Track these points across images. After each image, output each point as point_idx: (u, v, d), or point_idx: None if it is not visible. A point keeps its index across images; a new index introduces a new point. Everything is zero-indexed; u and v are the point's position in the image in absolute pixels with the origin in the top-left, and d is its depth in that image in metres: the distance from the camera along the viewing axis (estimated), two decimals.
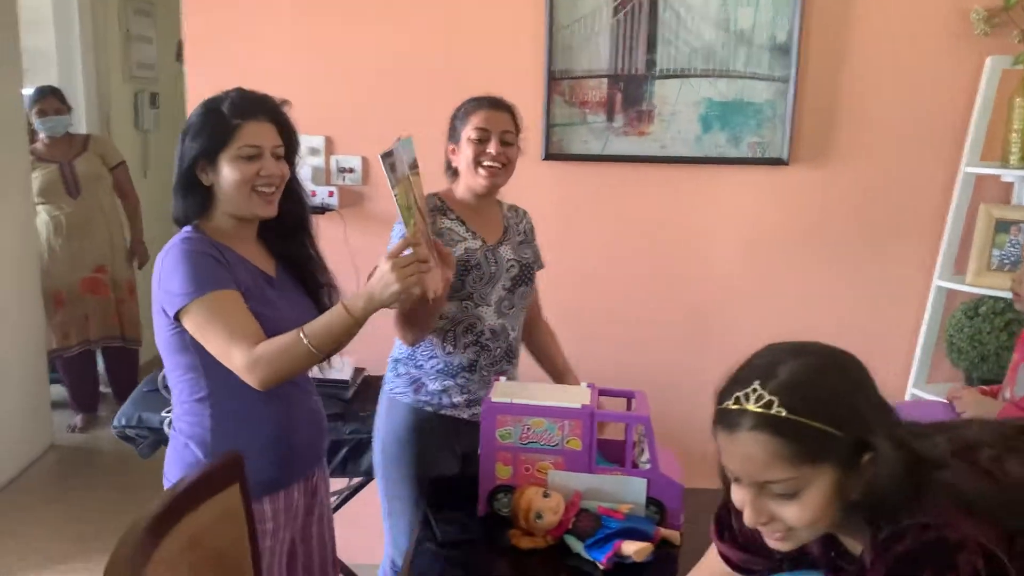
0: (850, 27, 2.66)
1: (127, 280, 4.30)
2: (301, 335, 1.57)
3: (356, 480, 2.60)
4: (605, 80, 2.70)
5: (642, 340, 2.89)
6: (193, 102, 2.80)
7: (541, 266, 2.23)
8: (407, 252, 1.59)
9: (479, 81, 2.70)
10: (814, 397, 1.02)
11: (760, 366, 1.07)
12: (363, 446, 2.44)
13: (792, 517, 1.03)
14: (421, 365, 2.08)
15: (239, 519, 1.54)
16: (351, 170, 2.79)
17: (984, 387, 1.96)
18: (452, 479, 2.05)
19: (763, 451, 1.01)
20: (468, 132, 2.02)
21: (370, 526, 2.39)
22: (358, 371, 2.64)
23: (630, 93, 2.70)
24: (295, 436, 1.76)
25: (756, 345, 3.12)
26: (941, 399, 2.63)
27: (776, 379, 1.04)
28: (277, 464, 1.73)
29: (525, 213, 2.23)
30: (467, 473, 2.02)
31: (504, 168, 2.03)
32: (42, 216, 4.11)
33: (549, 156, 2.74)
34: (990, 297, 2.61)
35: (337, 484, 2.57)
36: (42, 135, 4.10)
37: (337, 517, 2.10)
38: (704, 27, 2.64)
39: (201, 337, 1.59)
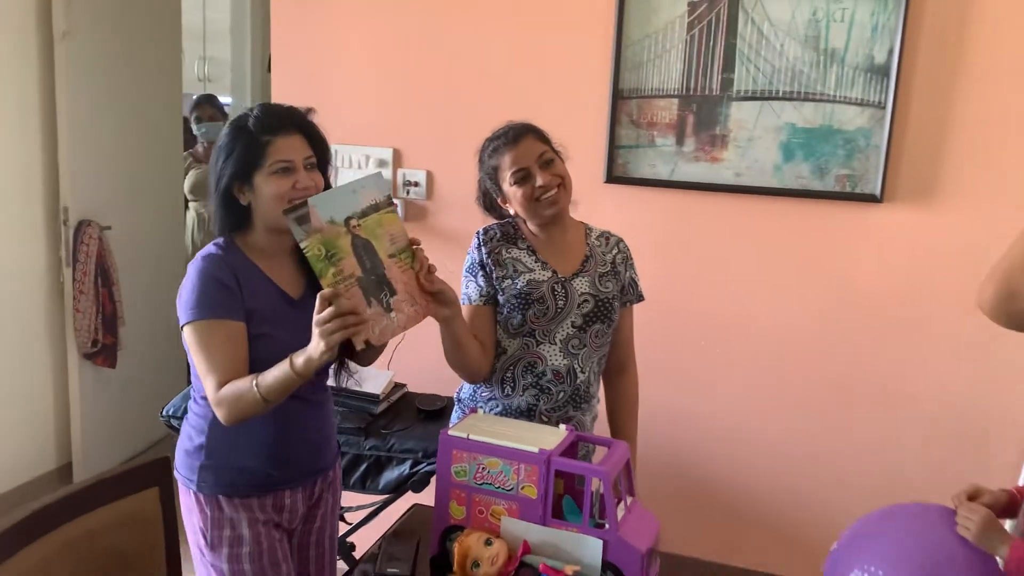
0: (963, 50, 2.28)
1: None
2: (254, 383, 1.58)
3: (381, 497, 2.56)
4: (676, 100, 2.49)
5: (695, 386, 2.65)
6: None
7: (637, 299, 2.05)
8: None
9: (542, 97, 2.62)
10: None
11: None
12: (383, 464, 2.40)
13: None
14: (480, 407, 1.98)
15: (153, 522, 1.55)
16: (416, 184, 2.78)
17: (1016, 489, 1.54)
18: None
19: None
20: (507, 179, 1.88)
21: None
22: (397, 387, 2.61)
23: (703, 115, 2.48)
24: (293, 446, 1.79)
25: (833, 411, 2.76)
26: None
27: None
28: (270, 469, 1.77)
29: (619, 242, 2.04)
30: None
31: (561, 187, 1.88)
32: (191, 212, 4.45)
33: (612, 179, 2.57)
34: None
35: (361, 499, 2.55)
36: (199, 138, 4.46)
37: None
38: (790, 44, 2.37)
39: (192, 354, 1.66)
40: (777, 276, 2.53)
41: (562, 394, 1.93)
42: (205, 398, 1.73)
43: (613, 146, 2.55)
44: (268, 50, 5.19)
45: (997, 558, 1.38)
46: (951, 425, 2.46)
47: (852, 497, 2.52)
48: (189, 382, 2.50)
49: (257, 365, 1.63)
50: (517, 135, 1.89)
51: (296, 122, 1.69)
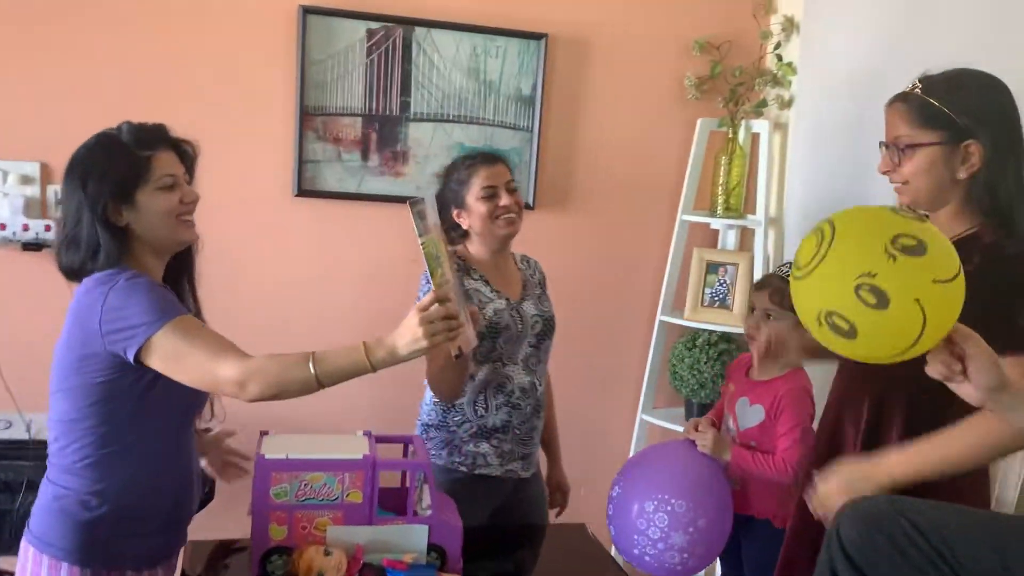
0: (585, 87, 2.89)
1: None
2: (310, 362, 1.51)
3: None
4: (360, 119, 2.67)
5: (403, 379, 2.88)
6: None
7: None
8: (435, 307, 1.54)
9: (226, 111, 2.58)
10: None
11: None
12: None
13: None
14: (454, 430, 2.09)
15: None
16: None
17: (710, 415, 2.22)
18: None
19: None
20: (475, 192, 2.04)
21: None
22: None
23: (385, 133, 2.70)
24: (190, 500, 1.76)
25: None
26: (671, 425, 2.90)
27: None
28: (174, 529, 1.73)
29: (536, 263, 2.26)
30: (498, 524, 2.13)
31: (518, 214, 2.08)
32: None
33: (301, 192, 2.65)
34: (705, 330, 2.94)
35: None
36: None
37: None
38: (456, 74, 2.73)
39: (175, 361, 1.52)
40: None
41: (529, 407, 2.11)
42: (111, 454, 1.58)
43: (301, 160, 2.63)
44: None
45: (723, 461, 1.99)
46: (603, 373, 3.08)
47: None
48: None
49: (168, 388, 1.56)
50: (494, 158, 2.10)
51: (168, 138, 1.65)
